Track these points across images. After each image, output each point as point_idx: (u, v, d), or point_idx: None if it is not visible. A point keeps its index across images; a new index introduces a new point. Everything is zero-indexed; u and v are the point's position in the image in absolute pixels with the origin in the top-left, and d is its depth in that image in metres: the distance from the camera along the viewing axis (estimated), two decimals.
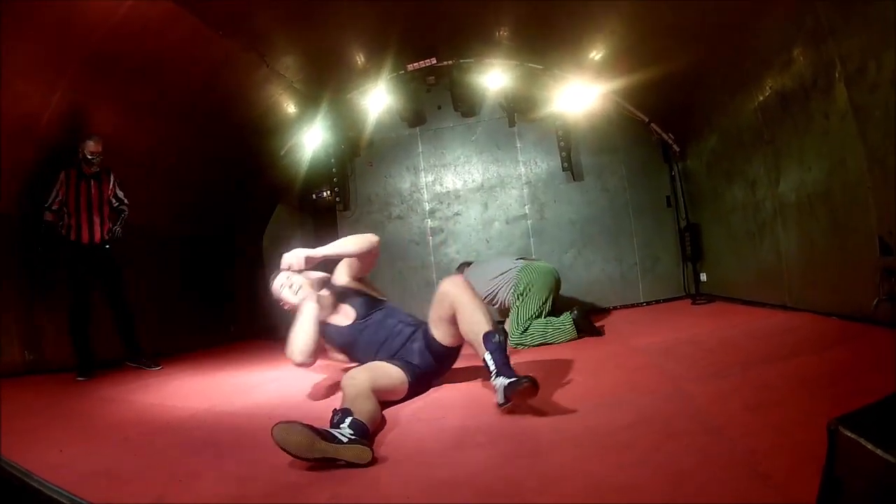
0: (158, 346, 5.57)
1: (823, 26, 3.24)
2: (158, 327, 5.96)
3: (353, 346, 3.48)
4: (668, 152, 6.64)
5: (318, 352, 3.41)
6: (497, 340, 2.82)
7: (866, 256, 3.15)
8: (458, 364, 3.54)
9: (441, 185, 7.39)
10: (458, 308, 3.03)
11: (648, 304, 6.70)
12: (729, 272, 5.63)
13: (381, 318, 3.50)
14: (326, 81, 6.84)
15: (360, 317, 3.49)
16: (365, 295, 3.64)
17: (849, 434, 1.07)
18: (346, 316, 3.53)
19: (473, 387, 3.31)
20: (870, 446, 1.02)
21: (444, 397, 3.16)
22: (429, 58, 6.79)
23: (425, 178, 7.42)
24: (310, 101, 7.02)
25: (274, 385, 4.06)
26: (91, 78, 4.62)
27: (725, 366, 2.98)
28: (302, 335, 3.31)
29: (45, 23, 3.96)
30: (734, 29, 4.13)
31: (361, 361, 3.33)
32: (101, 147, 5.01)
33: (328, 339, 3.53)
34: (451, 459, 2.10)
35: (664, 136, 6.55)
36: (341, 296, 3.60)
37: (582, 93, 6.60)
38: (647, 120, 6.59)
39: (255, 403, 3.48)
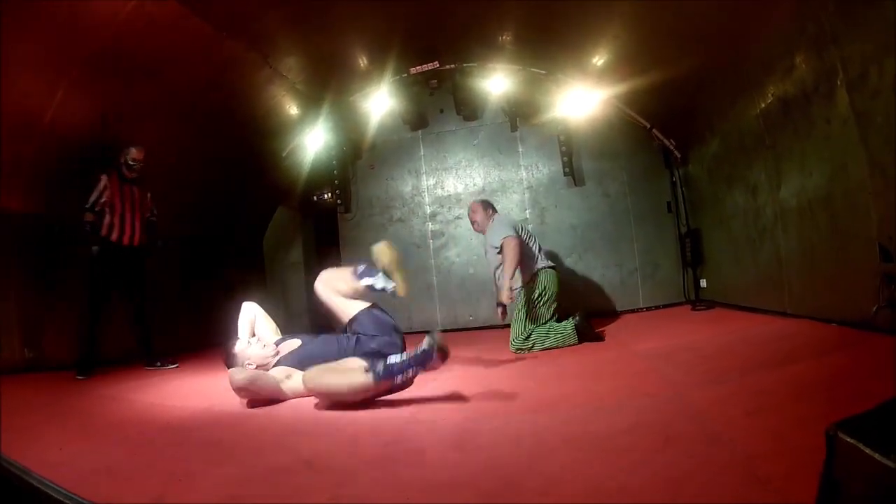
0: (158, 345, 5.57)
1: (826, 32, 3.25)
2: (158, 327, 5.95)
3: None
4: (670, 158, 6.65)
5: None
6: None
7: (866, 263, 3.15)
8: (456, 369, 3.54)
9: (442, 188, 7.40)
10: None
11: (648, 309, 6.70)
12: (729, 278, 5.63)
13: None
14: (329, 83, 6.85)
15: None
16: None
17: (847, 439, 1.07)
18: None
19: (473, 390, 3.30)
20: (868, 451, 1.03)
21: (444, 400, 3.15)
22: (431, 61, 6.80)
23: (427, 182, 7.43)
24: (312, 103, 7.03)
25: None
26: (94, 77, 4.63)
27: (725, 371, 2.98)
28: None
29: (49, 22, 3.97)
30: (736, 35, 4.14)
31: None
32: (143, 155, 5.21)
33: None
34: (450, 461, 2.10)
35: (665, 141, 6.56)
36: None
37: (584, 98, 6.61)
38: (648, 125, 6.60)
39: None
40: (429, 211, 7.39)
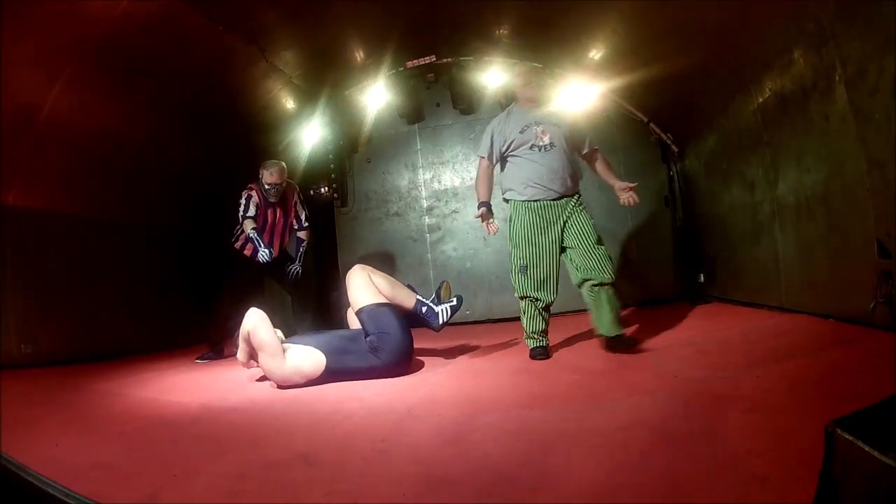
0: (155, 340, 5.58)
1: (825, 30, 3.25)
2: (155, 321, 5.96)
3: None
4: (667, 152, 6.64)
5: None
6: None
7: (864, 259, 3.16)
8: (452, 365, 3.54)
9: (439, 182, 7.38)
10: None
11: (645, 304, 6.69)
12: (726, 273, 5.64)
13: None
14: (325, 77, 6.82)
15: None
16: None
17: (846, 436, 1.07)
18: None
19: (469, 386, 3.31)
20: (867, 448, 1.02)
21: (440, 395, 3.15)
22: (428, 55, 6.78)
23: (423, 176, 7.41)
24: (309, 97, 7.00)
25: (270, 381, 4.05)
26: (92, 72, 4.61)
27: (722, 367, 2.99)
28: None
29: (46, 17, 3.94)
30: (735, 30, 4.13)
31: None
32: (281, 178, 5.27)
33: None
34: (446, 456, 2.10)
35: (663, 136, 6.55)
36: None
37: (581, 92, 6.59)
38: (646, 120, 6.59)
39: (250, 399, 3.47)
40: (425, 205, 7.37)
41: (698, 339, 3.95)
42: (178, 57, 5.08)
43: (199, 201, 6.82)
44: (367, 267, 4.14)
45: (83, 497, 1.29)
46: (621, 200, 4.16)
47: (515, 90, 4.45)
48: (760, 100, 4.24)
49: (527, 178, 4.00)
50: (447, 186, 7.34)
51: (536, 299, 4.01)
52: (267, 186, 5.22)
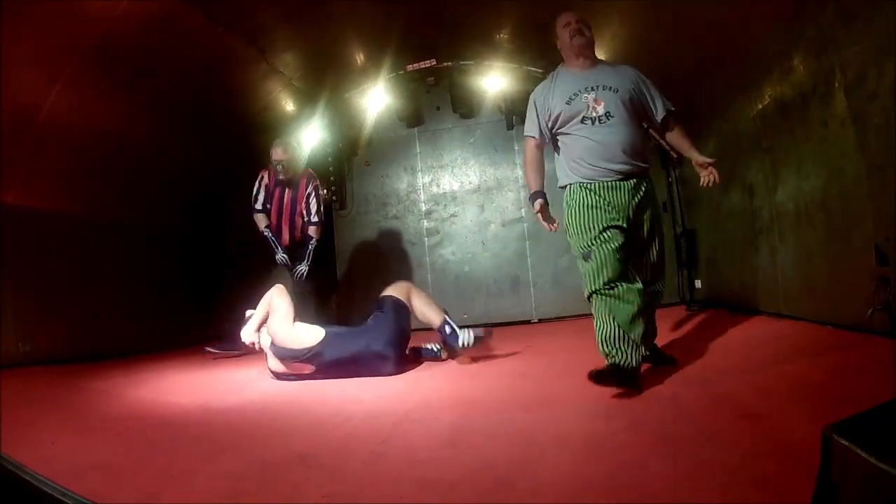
0: (154, 340, 5.57)
1: (825, 34, 3.25)
2: (155, 321, 5.95)
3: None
4: (666, 158, 6.64)
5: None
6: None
7: (862, 265, 3.16)
8: (451, 368, 3.55)
9: (438, 186, 7.38)
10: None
11: None
12: (724, 279, 5.64)
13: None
14: (325, 80, 6.82)
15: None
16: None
17: (842, 441, 1.08)
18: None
19: (467, 388, 3.31)
20: (863, 454, 1.03)
21: (439, 398, 3.16)
22: (428, 59, 6.79)
23: (422, 179, 7.41)
24: (308, 99, 7.00)
25: (268, 382, 4.05)
26: (92, 72, 4.62)
27: (719, 372, 2.99)
28: None
29: (46, 17, 3.95)
30: (734, 35, 4.14)
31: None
32: (285, 154, 5.43)
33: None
34: (445, 460, 2.10)
35: (662, 141, 6.54)
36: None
37: None
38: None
39: (249, 400, 3.47)
40: (424, 208, 7.37)
41: (696, 344, 3.94)
42: (179, 57, 5.09)
43: (199, 201, 6.84)
44: (415, 287, 4.57)
45: (81, 497, 1.29)
46: (702, 181, 3.37)
47: (559, 44, 3.51)
48: (760, 105, 4.24)
49: (579, 158, 3.26)
50: (446, 190, 7.34)
51: (611, 288, 2.98)
52: (274, 163, 5.43)
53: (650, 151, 3.23)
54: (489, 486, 1.80)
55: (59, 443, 2.52)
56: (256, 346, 4.17)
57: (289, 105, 6.93)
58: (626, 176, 3.18)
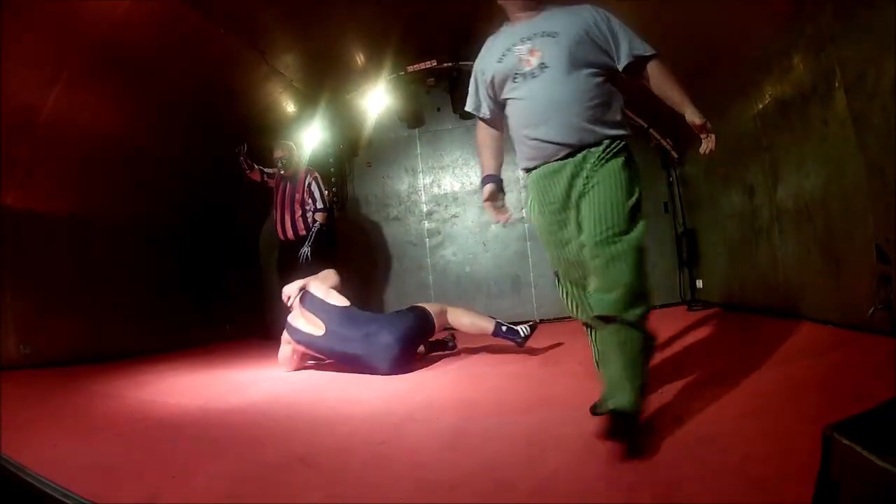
0: (154, 341, 5.57)
1: (824, 33, 3.25)
2: (155, 322, 5.95)
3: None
4: (667, 158, 6.65)
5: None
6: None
7: (863, 264, 3.15)
8: (452, 368, 3.55)
9: (439, 187, 7.38)
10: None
11: None
12: (725, 279, 5.63)
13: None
14: (326, 81, 6.82)
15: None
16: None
17: (844, 440, 1.08)
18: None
19: (469, 389, 3.31)
20: (864, 453, 1.03)
21: (439, 399, 3.15)
22: (429, 59, 6.79)
23: (423, 180, 7.42)
24: (309, 101, 7.00)
25: (268, 383, 4.06)
26: (92, 72, 4.62)
27: (719, 372, 2.98)
28: None
29: (46, 17, 3.95)
30: (734, 35, 4.14)
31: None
32: (282, 152, 6.08)
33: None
34: (445, 460, 2.10)
35: (662, 141, 6.55)
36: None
37: None
38: (645, 125, 6.59)
39: (249, 401, 3.47)
40: (425, 209, 7.37)
41: (696, 343, 3.94)
42: (179, 58, 5.09)
43: (199, 202, 6.83)
44: (449, 305, 4.55)
45: (82, 498, 1.29)
46: (701, 147, 2.68)
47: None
48: (760, 105, 4.24)
49: (518, 131, 2.66)
50: (447, 191, 7.34)
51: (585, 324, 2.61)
52: (275, 160, 6.10)
53: (620, 111, 2.58)
54: (489, 487, 1.80)
55: (60, 444, 2.52)
56: (290, 302, 4.41)
57: (289, 106, 6.93)
58: (570, 149, 2.45)
